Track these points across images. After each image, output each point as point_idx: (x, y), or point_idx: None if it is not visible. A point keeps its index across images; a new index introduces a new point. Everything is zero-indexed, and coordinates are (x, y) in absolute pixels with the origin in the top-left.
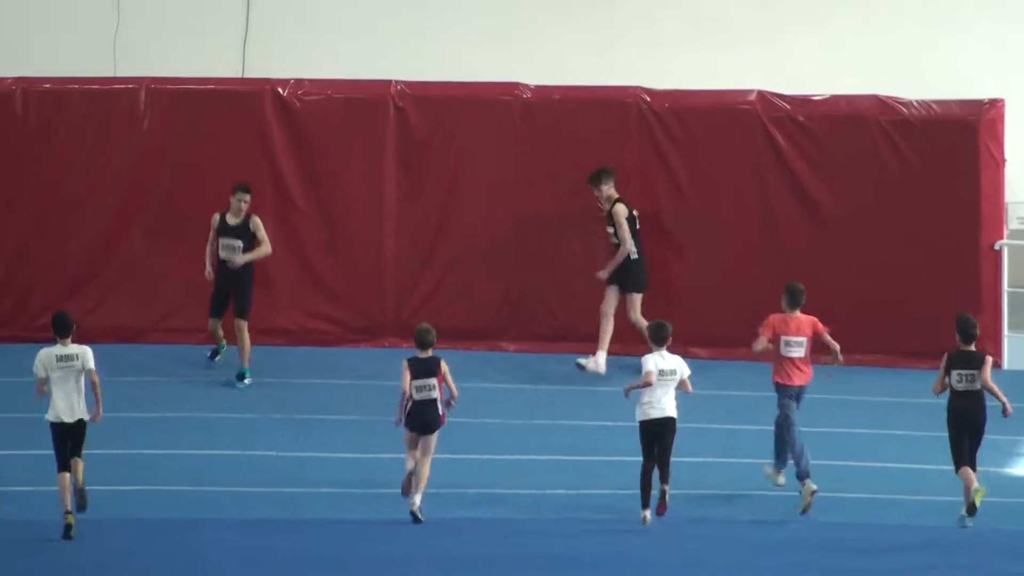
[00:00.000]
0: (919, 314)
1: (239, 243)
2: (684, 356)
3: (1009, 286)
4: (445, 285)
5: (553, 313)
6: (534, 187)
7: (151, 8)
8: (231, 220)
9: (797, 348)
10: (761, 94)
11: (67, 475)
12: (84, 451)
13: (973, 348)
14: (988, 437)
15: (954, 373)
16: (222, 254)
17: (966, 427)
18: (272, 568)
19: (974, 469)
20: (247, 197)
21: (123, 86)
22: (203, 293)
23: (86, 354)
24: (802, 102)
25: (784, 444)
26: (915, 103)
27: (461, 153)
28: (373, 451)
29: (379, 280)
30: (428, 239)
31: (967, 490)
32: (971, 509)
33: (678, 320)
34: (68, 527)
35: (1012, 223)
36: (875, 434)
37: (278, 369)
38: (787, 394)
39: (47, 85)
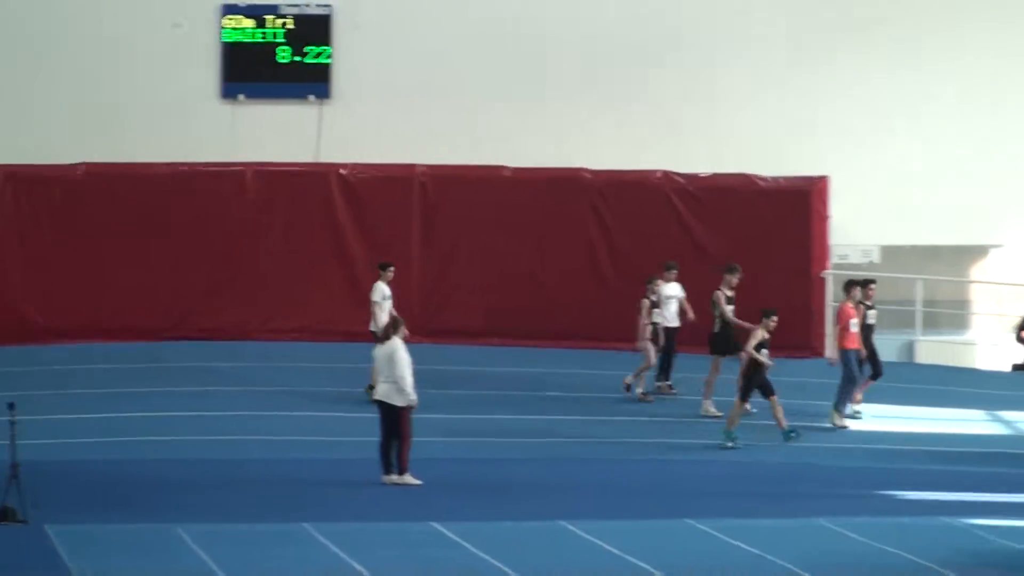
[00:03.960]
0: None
1: None
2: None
3: (832, 302)
4: (452, 300)
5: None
6: (511, 242)
7: None
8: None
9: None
10: (665, 173)
11: None
12: None
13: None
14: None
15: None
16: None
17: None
18: None
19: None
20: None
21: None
22: None
23: None
24: (693, 178)
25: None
26: (769, 178)
27: (463, 214)
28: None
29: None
30: (438, 271)
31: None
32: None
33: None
34: None
35: (834, 259)
36: None
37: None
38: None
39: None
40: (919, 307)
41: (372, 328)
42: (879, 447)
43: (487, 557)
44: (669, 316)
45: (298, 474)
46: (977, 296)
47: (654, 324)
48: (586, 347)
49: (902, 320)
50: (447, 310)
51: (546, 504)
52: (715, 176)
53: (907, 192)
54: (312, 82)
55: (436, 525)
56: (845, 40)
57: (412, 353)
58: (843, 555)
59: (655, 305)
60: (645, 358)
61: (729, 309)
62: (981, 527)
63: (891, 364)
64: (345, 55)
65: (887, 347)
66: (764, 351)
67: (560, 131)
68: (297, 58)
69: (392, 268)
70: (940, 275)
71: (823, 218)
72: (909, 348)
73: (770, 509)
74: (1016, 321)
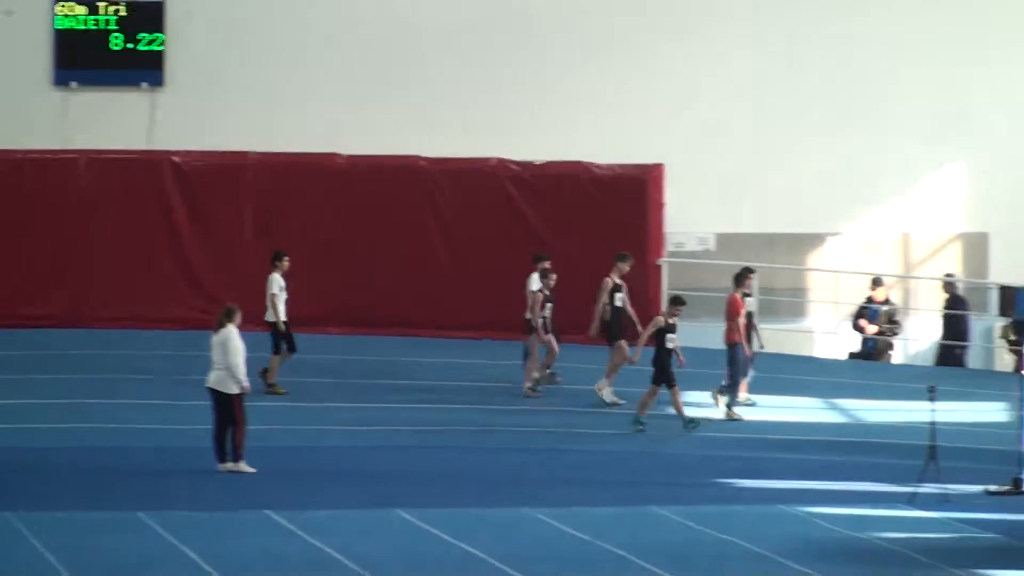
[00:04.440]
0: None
1: None
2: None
3: (669, 289)
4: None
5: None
6: (345, 230)
7: None
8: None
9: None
10: (500, 160)
11: None
12: None
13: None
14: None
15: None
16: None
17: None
18: None
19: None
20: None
21: None
22: None
23: None
24: (528, 166)
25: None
26: (604, 166)
27: (297, 202)
28: None
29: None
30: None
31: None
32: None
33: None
34: None
35: (669, 247)
36: None
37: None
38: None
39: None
40: (756, 295)
41: (269, 319)
42: (716, 435)
43: (322, 545)
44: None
45: (131, 462)
46: (814, 284)
47: (543, 318)
48: (421, 335)
49: None
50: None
51: (383, 492)
52: (550, 164)
53: (743, 180)
54: (145, 69)
55: (271, 513)
56: (677, 29)
57: (246, 341)
58: (677, 542)
59: (548, 299)
60: (548, 350)
61: (619, 297)
62: (817, 515)
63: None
64: (178, 43)
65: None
66: (670, 337)
67: (395, 119)
68: (130, 45)
69: (287, 258)
70: (777, 263)
71: (659, 206)
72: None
73: (606, 497)
74: (853, 309)
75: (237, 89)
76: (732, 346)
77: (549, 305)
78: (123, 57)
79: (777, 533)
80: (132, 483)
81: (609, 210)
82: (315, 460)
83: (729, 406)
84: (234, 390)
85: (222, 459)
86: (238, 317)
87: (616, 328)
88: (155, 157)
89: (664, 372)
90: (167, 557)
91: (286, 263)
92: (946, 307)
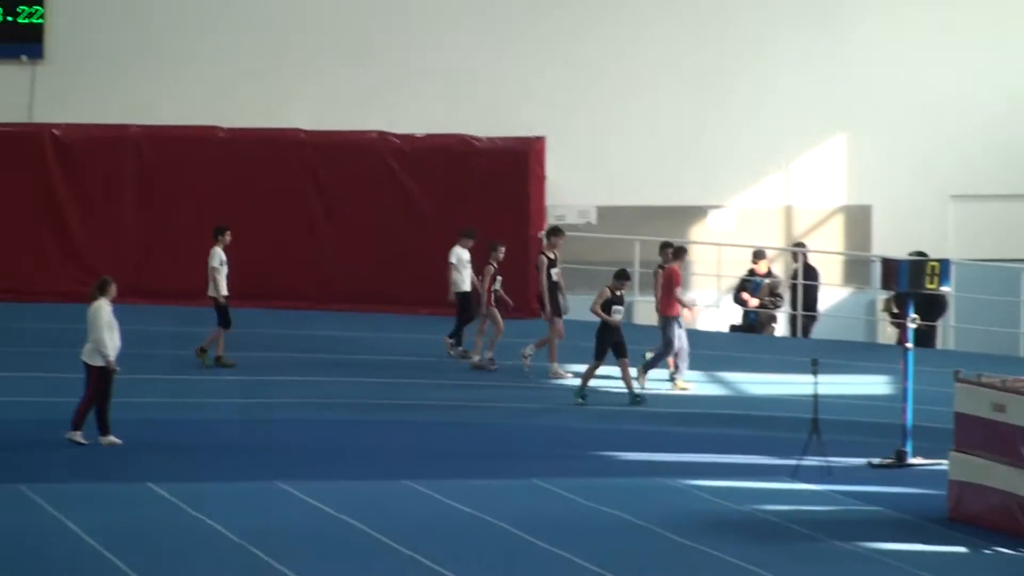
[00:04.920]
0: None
1: None
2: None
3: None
4: (167, 261)
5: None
6: (226, 203)
7: None
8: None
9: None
10: (380, 133)
11: None
12: None
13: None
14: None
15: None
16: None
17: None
18: None
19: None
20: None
21: None
22: None
23: None
24: (408, 139)
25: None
26: (485, 138)
27: (178, 175)
28: None
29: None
30: (154, 232)
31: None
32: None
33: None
34: None
35: (551, 220)
36: None
37: None
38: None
39: None
40: (637, 268)
41: (211, 294)
42: (599, 408)
43: (203, 518)
44: (465, 281)
45: (9, 435)
46: (696, 257)
47: (495, 291)
48: (301, 307)
49: None
50: (162, 271)
51: (263, 464)
52: (430, 137)
53: (624, 153)
54: (24, 42)
55: (152, 486)
56: (556, 2)
57: (126, 314)
58: (559, 514)
59: (498, 272)
60: (495, 327)
61: (555, 272)
62: (700, 488)
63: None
64: (58, 15)
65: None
66: (616, 308)
67: (276, 92)
68: (9, 18)
69: (228, 232)
70: (658, 236)
71: (540, 179)
72: (628, 309)
73: (489, 469)
74: (735, 282)
75: (118, 62)
76: (668, 319)
77: (499, 279)
78: (2, 29)
79: (660, 506)
80: (12, 456)
81: (490, 183)
82: (195, 433)
83: (673, 378)
84: (99, 363)
85: (102, 431)
86: (112, 290)
87: (554, 303)
88: (35, 130)
89: (605, 345)
90: (49, 530)
91: (228, 237)
92: (795, 277)
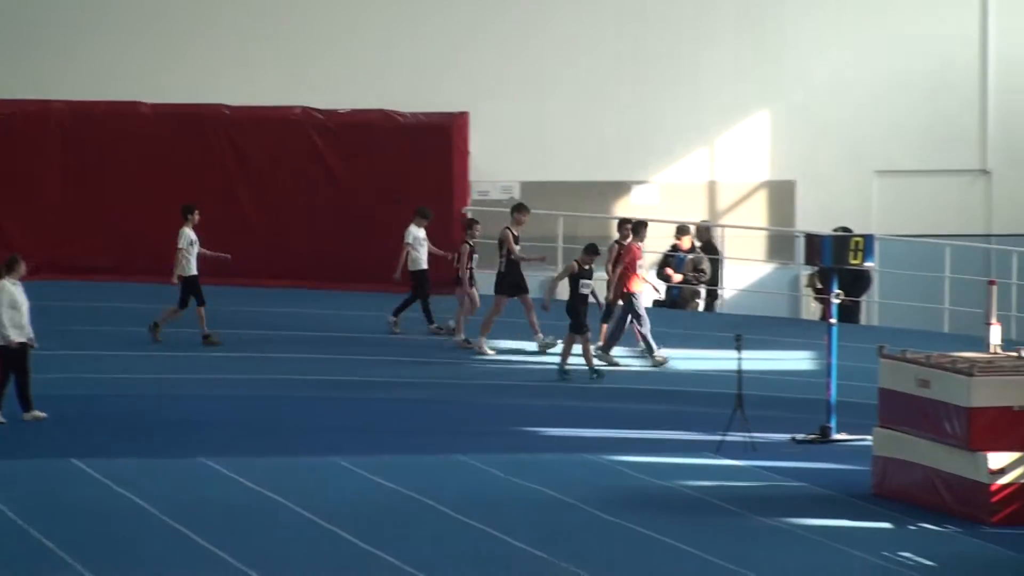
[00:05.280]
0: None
1: None
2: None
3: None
4: (89, 237)
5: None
6: (150, 179)
7: None
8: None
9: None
10: (304, 109)
11: None
12: None
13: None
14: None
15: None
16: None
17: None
18: None
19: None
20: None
21: None
22: None
23: None
24: (332, 114)
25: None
26: (409, 114)
27: (101, 151)
28: None
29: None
30: (77, 208)
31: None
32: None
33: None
34: None
35: (474, 195)
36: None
37: None
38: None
39: None
40: (560, 243)
41: (179, 272)
42: (524, 383)
43: (127, 494)
44: (423, 259)
45: None
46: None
47: (469, 269)
48: (223, 283)
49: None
50: (83, 247)
51: (189, 441)
52: (354, 112)
53: (548, 129)
54: None
55: (76, 461)
56: None
57: (38, 290)
58: (483, 490)
59: (473, 251)
60: (469, 303)
61: (518, 248)
62: (624, 463)
63: (534, 301)
64: None
65: (529, 284)
66: (583, 283)
67: (199, 66)
68: None
69: (197, 212)
70: (581, 211)
71: (464, 154)
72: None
73: (412, 445)
74: (659, 258)
75: (38, 36)
76: (628, 295)
77: (476, 257)
78: None
79: (584, 482)
80: None
81: (414, 158)
82: (116, 408)
83: (651, 352)
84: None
85: (25, 408)
86: (20, 269)
87: (513, 281)
88: None
89: (581, 316)
90: None
91: (196, 217)
92: (692, 251)
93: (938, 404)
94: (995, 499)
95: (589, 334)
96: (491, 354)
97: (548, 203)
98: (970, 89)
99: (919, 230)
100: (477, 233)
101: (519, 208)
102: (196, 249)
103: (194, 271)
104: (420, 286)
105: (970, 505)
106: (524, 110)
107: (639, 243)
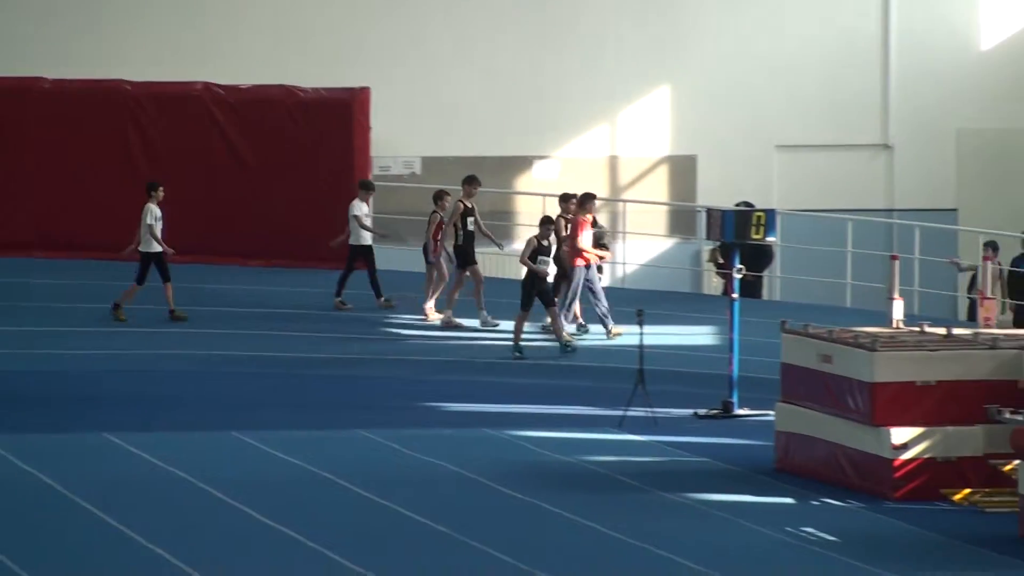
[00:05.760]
0: (314, 231)
1: None
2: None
3: (371, 212)
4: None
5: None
6: (53, 155)
7: None
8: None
9: None
10: (206, 85)
11: None
12: None
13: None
14: None
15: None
16: None
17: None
18: None
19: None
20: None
21: None
22: None
23: None
24: (233, 90)
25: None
26: (310, 89)
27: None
28: None
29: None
30: None
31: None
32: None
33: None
34: None
35: (376, 170)
36: None
37: None
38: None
39: None
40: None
41: (142, 249)
42: (421, 359)
43: (32, 470)
44: (366, 235)
45: None
46: (522, 208)
47: (437, 241)
48: (129, 260)
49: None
50: None
51: (89, 416)
52: (255, 88)
53: (449, 104)
54: None
55: None
56: None
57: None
58: (383, 465)
59: (443, 222)
60: (439, 276)
61: (471, 221)
62: (524, 438)
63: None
64: None
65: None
66: (542, 259)
67: (101, 42)
68: None
69: (161, 188)
70: (483, 187)
71: (365, 129)
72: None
73: (310, 420)
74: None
75: None
76: (575, 269)
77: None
78: None
79: (484, 456)
80: None
81: (315, 133)
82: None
83: (607, 327)
84: None
85: None
86: None
87: (469, 252)
88: None
89: (532, 295)
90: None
91: (161, 193)
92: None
93: (841, 379)
94: (898, 474)
95: (555, 308)
96: (435, 319)
97: (449, 178)
98: (872, 63)
99: (821, 205)
100: (447, 205)
101: (469, 180)
102: (160, 225)
103: (156, 248)
104: (361, 260)
105: (873, 480)
106: (425, 85)
107: (585, 216)
